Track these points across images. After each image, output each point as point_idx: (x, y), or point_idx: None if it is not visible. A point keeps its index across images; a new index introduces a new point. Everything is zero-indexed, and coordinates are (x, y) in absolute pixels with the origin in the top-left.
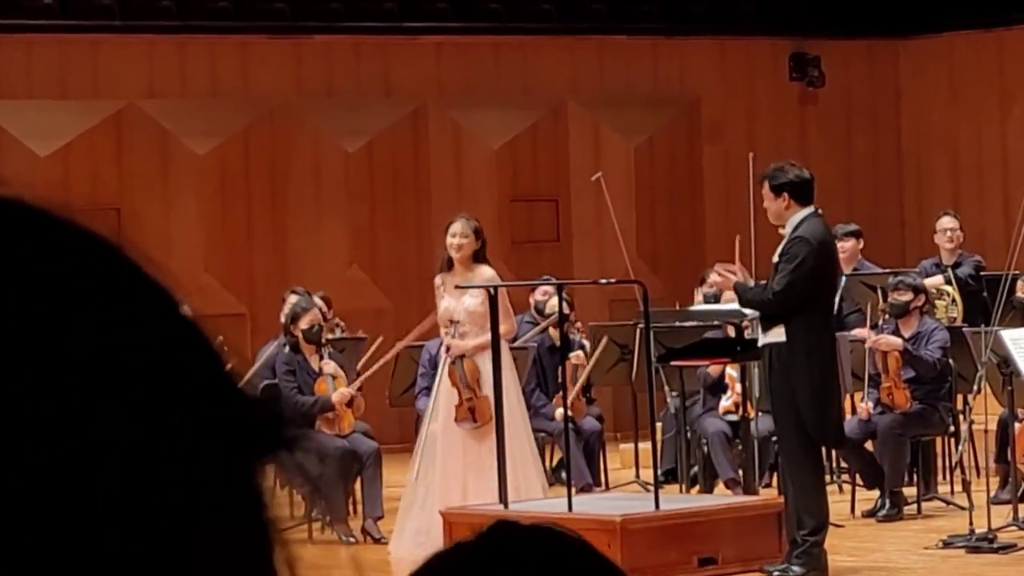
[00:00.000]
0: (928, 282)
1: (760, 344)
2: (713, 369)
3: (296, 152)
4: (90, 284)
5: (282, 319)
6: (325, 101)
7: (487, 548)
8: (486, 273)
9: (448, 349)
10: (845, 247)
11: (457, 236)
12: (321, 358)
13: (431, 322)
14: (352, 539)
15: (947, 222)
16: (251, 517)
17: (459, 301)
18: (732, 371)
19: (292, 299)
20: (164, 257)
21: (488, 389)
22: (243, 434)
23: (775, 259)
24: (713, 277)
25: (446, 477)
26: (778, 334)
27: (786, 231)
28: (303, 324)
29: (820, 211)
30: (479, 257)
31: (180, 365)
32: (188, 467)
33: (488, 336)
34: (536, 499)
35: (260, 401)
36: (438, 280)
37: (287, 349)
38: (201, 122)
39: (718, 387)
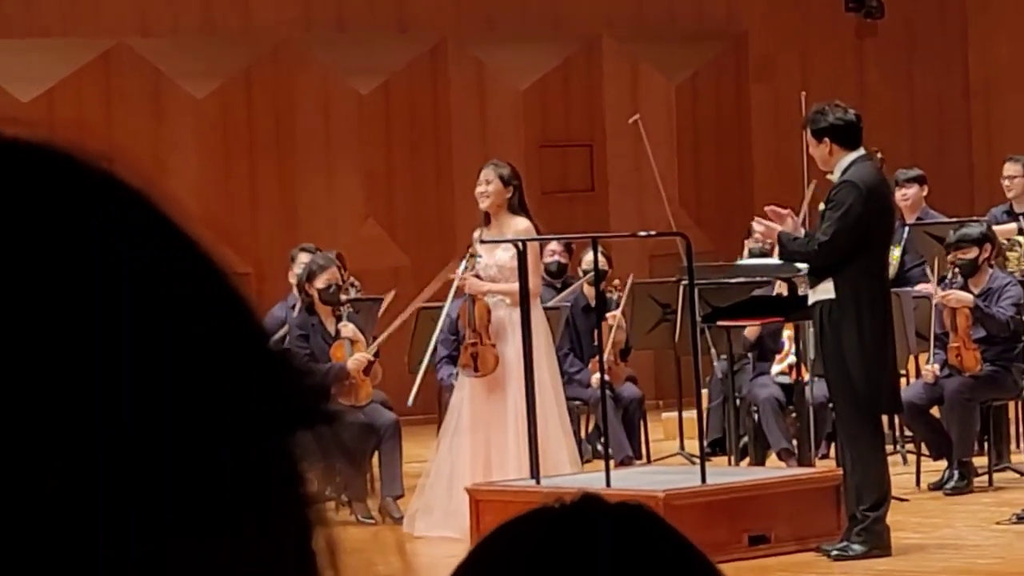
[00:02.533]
0: (998, 230)
1: (810, 302)
2: (750, 331)
3: (303, 94)
4: (124, 236)
5: (291, 279)
6: (334, 36)
7: (573, 518)
8: (520, 225)
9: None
10: (908, 194)
11: (482, 184)
12: (339, 320)
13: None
14: (371, 519)
15: (1009, 168)
16: (289, 494)
17: (491, 255)
18: (788, 331)
19: (302, 257)
20: None
21: (498, 339)
22: (282, 404)
23: (821, 207)
24: (755, 227)
25: (466, 450)
26: (827, 290)
27: (834, 177)
28: (319, 283)
29: (878, 154)
30: (514, 207)
31: (220, 326)
32: (224, 435)
33: (511, 284)
34: (570, 473)
35: (300, 370)
36: (476, 234)
37: (297, 311)
38: (198, 62)
39: (769, 349)
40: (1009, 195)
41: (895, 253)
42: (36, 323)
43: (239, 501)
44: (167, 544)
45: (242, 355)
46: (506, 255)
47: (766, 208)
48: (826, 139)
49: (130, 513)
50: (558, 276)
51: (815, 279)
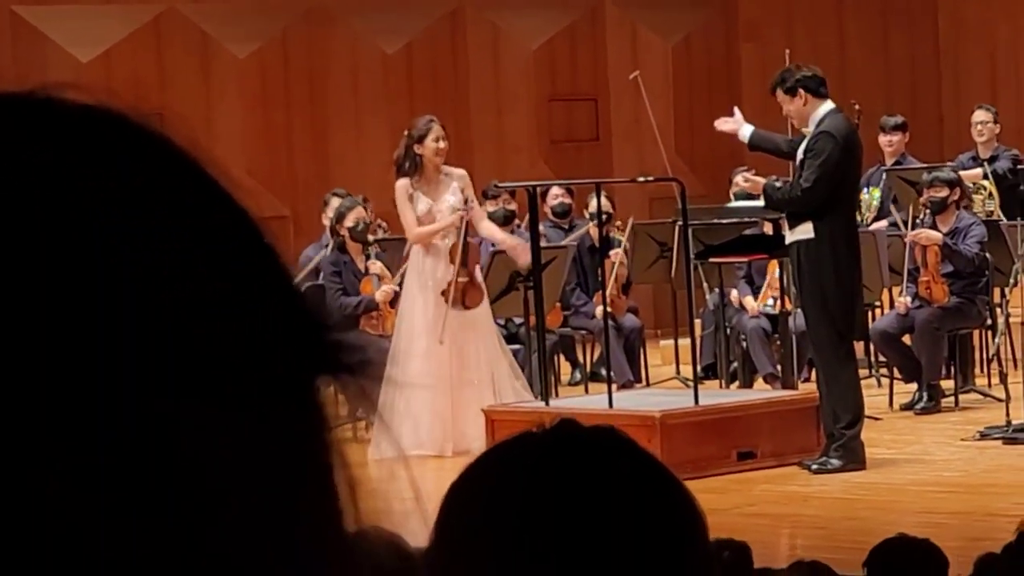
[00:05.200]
0: (964, 175)
1: (788, 242)
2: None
3: (334, 54)
4: (162, 190)
5: (324, 221)
6: (362, 1)
7: (552, 442)
8: (459, 171)
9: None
10: (892, 141)
11: (441, 140)
12: (368, 258)
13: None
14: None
15: (979, 115)
16: (311, 435)
17: (442, 201)
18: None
19: (334, 202)
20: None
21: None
22: (306, 349)
23: (800, 156)
24: (742, 183)
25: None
26: (805, 231)
27: (809, 128)
28: (348, 222)
29: (856, 106)
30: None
31: (247, 272)
32: (247, 374)
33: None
34: (576, 396)
35: (324, 319)
36: (407, 184)
37: (330, 250)
38: (240, 25)
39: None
40: (980, 140)
41: (875, 194)
42: (38, 310)
43: (257, 436)
44: (170, 544)
45: (269, 309)
46: (456, 199)
47: (739, 177)
48: (800, 91)
49: (132, 515)
50: (563, 217)
51: (795, 221)
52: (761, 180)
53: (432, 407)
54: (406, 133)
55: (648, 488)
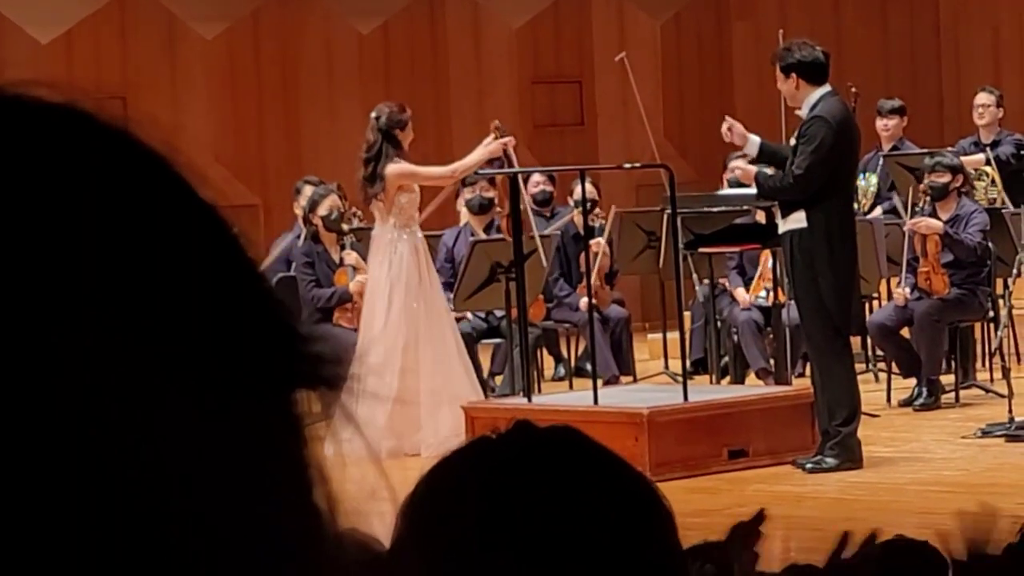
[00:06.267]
0: (966, 161)
1: (780, 231)
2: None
3: (306, 34)
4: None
5: (297, 210)
6: None
7: (508, 445)
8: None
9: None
10: (889, 125)
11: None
12: (342, 248)
13: (446, 194)
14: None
15: (981, 98)
16: (288, 451)
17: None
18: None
19: (307, 190)
20: (172, 147)
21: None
22: (281, 363)
23: (792, 141)
24: (733, 165)
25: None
26: (798, 220)
27: (803, 112)
28: (322, 210)
29: (852, 89)
30: None
31: (217, 281)
32: (221, 388)
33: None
34: (559, 392)
35: (302, 333)
36: (402, 162)
37: (303, 240)
38: (208, 5)
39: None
40: (980, 122)
41: (872, 180)
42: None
43: (231, 451)
44: (140, 546)
45: (245, 318)
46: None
47: (733, 164)
48: (793, 75)
49: (101, 514)
50: (545, 205)
51: (787, 209)
52: (753, 169)
53: (403, 406)
54: (375, 116)
55: (608, 486)
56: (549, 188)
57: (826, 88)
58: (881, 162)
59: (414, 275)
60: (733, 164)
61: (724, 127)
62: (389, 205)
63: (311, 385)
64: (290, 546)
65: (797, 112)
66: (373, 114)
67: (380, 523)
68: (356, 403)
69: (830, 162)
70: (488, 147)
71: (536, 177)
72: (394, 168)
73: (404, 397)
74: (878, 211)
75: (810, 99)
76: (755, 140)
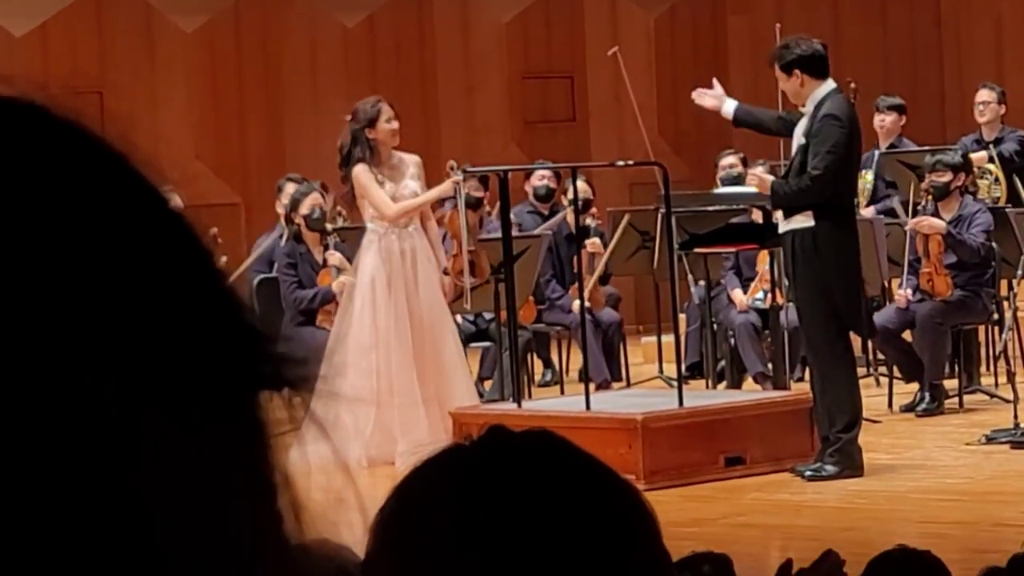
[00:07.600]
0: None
1: (781, 231)
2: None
3: (290, 28)
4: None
5: (279, 209)
6: None
7: (482, 453)
8: (413, 157)
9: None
10: (885, 120)
11: (393, 120)
12: (326, 248)
13: (437, 192)
14: None
15: (982, 95)
16: (250, 454)
17: (402, 186)
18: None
19: (289, 188)
20: (151, 144)
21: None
22: (244, 366)
23: (801, 140)
24: (749, 179)
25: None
26: (802, 219)
27: (807, 109)
28: (304, 209)
29: (851, 85)
30: None
31: (177, 285)
32: (182, 393)
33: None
34: (549, 397)
35: (265, 335)
36: (366, 168)
37: (285, 239)
38: None
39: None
40: (981, 120)
41: (868, 177)
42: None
43: (193, 456)
44: (104, 549)
45: (210, 320)
46: (416, 184)
47: (751, 172)
48: (796, 71)
49: (65, 516)
50: (546, 200)
51: (790, 209)
52: (769, 178)
53: (378, 414)
54: (349, 119)
55: (586, 490)
56: (553, 184)
57: (831, 84)
58: (876, 158)
59: (401, 275)
60: (751, 172)
61: (696, 92)
62: (363, 204)
63: (275, 386)
64: (249, 553)
65: (801, 109)
66: (348, 116)
67: (349, 532)
68: (326, 406)
69: (844, 161)
70: (439, 187)
71: (541, 171)
72: (357, 169)
73: (382, 400)
74: (871, 210)
75: (815, 95)
76: (731, 103)
